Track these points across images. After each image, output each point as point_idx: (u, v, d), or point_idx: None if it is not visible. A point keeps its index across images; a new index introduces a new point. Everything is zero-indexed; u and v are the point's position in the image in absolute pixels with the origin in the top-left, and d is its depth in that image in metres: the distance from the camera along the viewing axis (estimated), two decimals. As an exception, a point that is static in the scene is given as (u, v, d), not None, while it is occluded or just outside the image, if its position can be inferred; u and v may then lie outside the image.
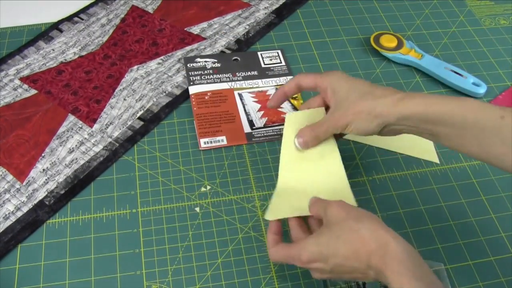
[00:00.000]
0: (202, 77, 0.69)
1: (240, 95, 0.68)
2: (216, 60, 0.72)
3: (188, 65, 0.71)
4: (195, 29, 0.77)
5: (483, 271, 0.53)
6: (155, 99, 0.67)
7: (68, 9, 0.79)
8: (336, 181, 0.55)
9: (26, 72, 0.70)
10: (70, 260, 0.53)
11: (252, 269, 0.53)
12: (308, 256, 0.45)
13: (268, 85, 0.69)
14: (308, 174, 0.55)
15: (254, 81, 0.70)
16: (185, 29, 0.77)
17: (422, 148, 0.64)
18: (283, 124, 0.62)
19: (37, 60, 0.72)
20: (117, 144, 0.62)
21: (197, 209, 0.57)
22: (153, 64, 0.72)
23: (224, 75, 0.70)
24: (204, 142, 0.62)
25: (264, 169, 0.61)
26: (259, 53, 0.74)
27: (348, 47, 0.76)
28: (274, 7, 0.81)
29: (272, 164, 0.61)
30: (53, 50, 0.73)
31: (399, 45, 0.74)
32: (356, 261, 0.43)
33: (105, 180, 0.59)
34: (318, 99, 0.55)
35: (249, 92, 0.68)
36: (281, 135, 0.60)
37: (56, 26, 0.77)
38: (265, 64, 0.72)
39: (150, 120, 0.65)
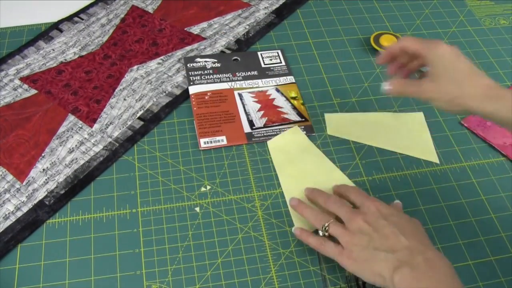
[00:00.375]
0: (202, 77, 0.69)
1: (240, 95, 0.68)
2: (216, 60, 0.72)
3: (188, 65, 0.71)
4: (195, 29, 0.77)
5: (483, 271, 0.53)
6: (155, 99, 0.67)
7: (68, 9, 0.79)
8: (336, 178, 0.60)
9: (26, 72, 0.70)
10: (70, 260, 0.53)
11: (252, 269, 0.53)
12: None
13: (268, 85, 0.69)
14: (310, 185, 0.58)
15: (254, 81, 0.70)
16: (185, 29, 0.77)
17: (422, 148, 0.64)
18: (283, 124, 0.64)
19: (37, 60, 0.72)
20: (117, 144, 0.62)
21: (197, 209, 0.57)
22: (153, 64, 0.72)
23: (224, 75, 0.70)
24: (204, 142, 0.62)
25: (264, 169, 0.61)
26: (259, 53, 0.74)
27: (348, 47, 0.76)
28: (274, 7, 0.81)
29: (272, 164, 0.61)
30: (53, 50, 0.73)
31: None
32: None
33: (105, 180, 0.59)
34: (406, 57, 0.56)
35: (249, 92, 0.68)
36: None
37: (56, 26, 0.77)
38: (265, 64, 0.72)
39: (150, 120, 0.65)
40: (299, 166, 0.61)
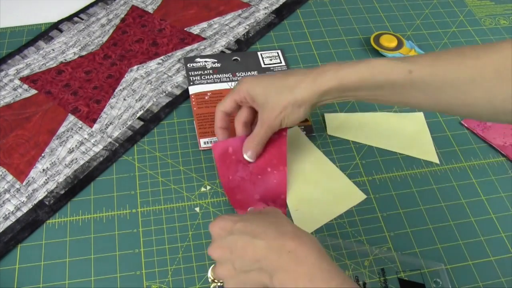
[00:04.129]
0: (202, 77, 0.69)
1: None
2: (216, 60, 0.72)
3: (188, 65, 0.71)
4: (195, 29, 0.77)
5: (483, 271, 0.53)
6: (155, 99, 0.67)
7: (68, 9, 0.79)
8: (336, 178, 0.60)
9: (26, 72, 0.70)
10: (70, 260, 0.53)
11: (252, 269, 0.53)
12: None
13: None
14: (310, 186, 0.59)
15: None
16: (185, 29, 0.77)
17: (422, 148, 0.64)
18: None
19: (37, 60, 0.72)
20: (117, 144, 0.62)
21: (197, 209, 0.57)
22: (153, 64, 0.72)
23: (224, 75, 0.70)
24: (204, 142, 0.62)
25: (264, 169, 0.61)
26: (259, 53, 0.74)
27: (348, 47, 0.76)
28: (274, 7, 0.81)
29: (272, 164, 0.61)
30: (53, 50, 0.73)
31: (399, 45, 0.74)
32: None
33: (105, 180, 0.59)
34: (244, 110, 0.57)
35: None
36: None
37: (56, 26, 0.77)
38: (265, 64, 0.72)
39: (150, 120, 0.65)
40: (299, 166, 0.61)
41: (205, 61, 0.71)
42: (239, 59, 0.72)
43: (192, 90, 0.68)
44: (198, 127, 0.64)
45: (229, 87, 0.69)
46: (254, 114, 0.57)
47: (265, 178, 0.57)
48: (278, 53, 0.74)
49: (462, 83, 0.46)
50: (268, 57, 0.73)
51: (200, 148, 0.62)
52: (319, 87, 0.51)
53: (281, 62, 0.72)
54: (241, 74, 0.70)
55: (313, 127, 0.65)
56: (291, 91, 0.51)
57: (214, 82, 0.69)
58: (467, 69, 0.46)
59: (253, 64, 0.72)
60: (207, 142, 0.62)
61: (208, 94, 0.67)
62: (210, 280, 0.47)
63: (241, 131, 0.57)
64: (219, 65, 0.71)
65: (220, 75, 0.70)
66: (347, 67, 0.50)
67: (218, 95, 0.67)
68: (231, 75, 0.70)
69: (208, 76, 0.70)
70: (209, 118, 0.65)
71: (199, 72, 0.70)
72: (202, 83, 0.69)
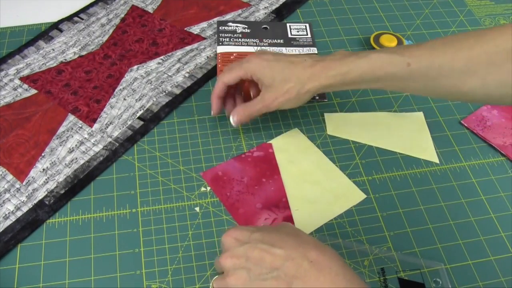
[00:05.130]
0: (231, 40, 0.75)
1: None
2: (246, 26, 0.77)
3: (220, 27, 0.76)
4: (195, 29, 0.77)
5: (483, 271, 0.53)
6: (155, 99, 0.67)
7: (68, 9, 0.79)
8: (336, 178, 0.60)
9: (26, 72, 0.70)
10: (70, 260, 0.53)
11: (252, 269, 0.53)
12: None
13: (292, 54, 0.72)
14: (310, 186, 0.59)
15: (279, 48, 0.74)
16: (185, 29, 0.77)
17: (422, 148, 0.64)
18: None
19: (37, 60, 0.72)
20: (117, 144, 0.62)
21: (197, 208, 0.57)
22: (153, 64, 0.72)
23: (252, 40, 0.75)
24: None
25: (264, 169, 0.61)
26: (287, 24, 0.78)
27: (348, 47, 0.76)
28: (274, 7, 0.81)
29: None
30: (53, 50, 0.73)
31: (399, 45, 0.73)
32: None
33: (105, 180, 0.59)
34: (234, 75, 0.58)
35: None
36: None
37: (56, 26, 0.77)
38: (291, 35, 0.76)
39: (150, 120, 0.65)
40: (299, 166, 0.61)
41: (236, 26, 0.76)
42: (268, 27, 0.77)
43: (220, 49, 0.73)
44: None
45: (254, 51, 0.73)
46: (229, 88, 0.60)
47: (262, 187, 0.58)
48: (306, 26, 0.77)
49: (458, 73, 0.49)
50: (296, 29, 0.77)
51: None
52: (325, 80, 0.54)
53: (307, 35, 0.76)
54: (268, 41, 0.75)
55: (326, 95, 0.69)
56: (298, 79, 0.54)
57: (242, 45, 0.74)
58: (461, 60, 0.49)
59: (280, 33, 0.76)
60: None
61: (234, 54, 0.73)
62: None
63: (219, 88, 0.59)
64: (248, 30, 0.76)
65: (248, 39, 0.75)
66: (349, 62, 0.53)
67: (243, 57, 0.70)
68: (258, 41, 0.75)
69: (237, 39, 0.75)
70: None
71: (229, 35, 0.75)
72: (230, 45, 0.74)
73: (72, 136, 0.63)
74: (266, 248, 0.41)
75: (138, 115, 0.65)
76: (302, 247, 0.41)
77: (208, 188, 0.59)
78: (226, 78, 0.58)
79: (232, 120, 0.59)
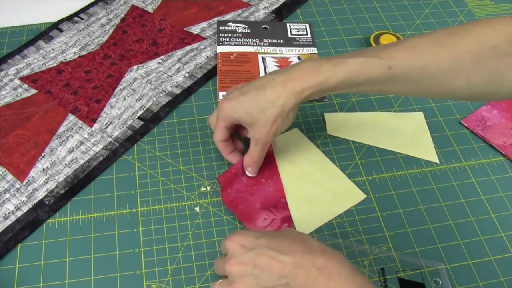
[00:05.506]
0: (231, 39, 0.75)
1: (263, 58, 0.73)
2: (246, 26, 0.77)
3: (220, 27, 0.77)
4: (195, 29, 0.77)
5: (483, 271, 0.53)
6: (155, 99, 0.67)
7: (68, 9, 0.79)
8: (336, 178, 0.60)
9: (26, 72, 0.70)
10: (70, 260, 0.53)
11: (252, 269, 0.53)
12: None
13: (291, 53, 0.74)
14: (310, 186, 0.59)
15: (279, 48, 0.74)
16: (185, 29, 0.77)
17: (422, 148, 0.64)
18: None
19: (37, 59, 0.72)
20: (117, 144, 0.62)
21: (197, 208, 0.57)
22: (153, 64, 0.72)
23: (252, 39, 0.75)
24: (222, 95, 0.66)
25: (264, 169, 0.61)
26: (287, 24, 0.78)
27: (348, 47, 0.76)
28: (274, 7, 0.81)
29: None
30: (53, 49, 0.73)
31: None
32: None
33: (105, 180, 0.59)
34: (220, 129, 0.56)
35: (272, 57, 0.73)
36: None
37: (56, 26, 0.77)
38: (291, 34, 0.76)
39: (150, 120, 0.65)
40: (299, 166, 0.61)
41: (236, 26, 0.76)
42: (268, 27, 0.77)
43: (220, 49, 0.73)
44: (220, 82, 0.69)
45: (254, 51, 0.74)
46: (229, 130, 0.57)
47: (261, 187, 0.58)
48: (306, 26, 0.78)
49: (442, 73, 0.47)
50: (296, 29, 0.77)
51: (218, 100, 0.67)
52: (300, 94, 0.50)
53: (307, 34, 0.76)
54: (268, 40, 0.75)
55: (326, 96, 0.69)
56: (275, 104, 0.51)
57: (242, 45, 0.74)
58: (446, 59, 0.47)
59: (280, 33, 0.77)
60: None
61: (234, 54, 0.73)
62: None
63: (222, 146, 0.57)
64: (248, 30, 0.76)
65: (248, 39, 0.75)
66: (325, 71, 0.49)
67: (243, 56, 0.73)
68: (258, 41, 0.75)
69: (237, 39, 0.75)
70: (231, 75, 0.70)
71: (229, 35, 0.75)
72: (230, 45, 0.74)
73: (72, 136, 0.63)
74: (274, 255, 0.41)
75: (138, 115, 0.65)
76: (310, 253, 0.41)
77: (208, 188, 0.59)
78: (218, 137, 0.56)
79: (248, 172, 0.58)
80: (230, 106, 0.53)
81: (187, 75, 0.70)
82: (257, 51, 0.74)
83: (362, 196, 0.58)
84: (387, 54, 0.48)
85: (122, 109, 0.66)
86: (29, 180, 0.59)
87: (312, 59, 0.51)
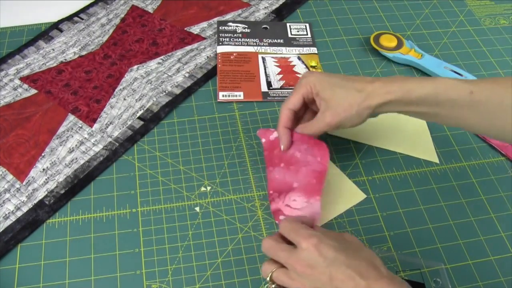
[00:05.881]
0: (231, 39, 0.75)
1: (263, 58, 0.73)
2: (246, 26, 0.77)
3: (220, 27, 0.77)
4: (195, 29, 0.77)
5: (483, 271, 0.53)
6: (155, 99, 0.67)
7: (68, 9, 0.80)
8: (336, 178, 0.60)
9: (26, 72, 0.70)
10: (70, 260, 0.53)
11: (251, 269, 0.53)
12: None
13: (291, 53, 0.74)
14: None
15: (279, 48, 0.75)
16: (185, 29, 0.77)
17: (422, 148, 0.64)
18: None
19: (37, 59, 0.72)
20: (117, 144, 0.62)
21: (197, 208, 0.57)
22: (153, 64, 0.72)
23: (252, 39, 0.75)
24: (222, 95, 0.68)
25: (264, 169, 0.61)
26: (287, 24, 0.78)
27: (348, 47, 0.76)
28: (274, 7, 0.81)
29: (272, 163, 0.61)
30: (53, 49, 0.73)
31: (399, 45, 0.74)
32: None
33: (105, 180, 0.59)
34: (296, 97, 0.55)
35: (272, 57, 0.73)
36: None
37: (56, 26, 0.77)
38: (291, 34, 0.76)
39: (150, 120, 0.65)
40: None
41: (236, 26, 0.76)
42: (268, 27, 0.77)
43: (220, 49, 0.73)
44: (220, 82, 0.69)
45: (254, 51, 0.74)
46: (303, 104, 0.55)
47: (303, 172, 0.55)
48: (306, 26, 0.78)
49: None
50: (296, 29, 0.77)
51: (218, 100, 0.67)
52: (386, 94, 0.51)
53: (307, 34, 0.76)
54: (268, 40, 0.75)
55: None
56: (360, 92, 0.51)
57: (242, 45, 0.74)
58: None
59: (280, 33, 0.77)
60: (225, 95, 0.68)
61: (234, 54, 0.73)
62: (268, 282, 0.46)
63: (286, 116, 0.55)
64: (248, 30, 0.77)
65: (248, 39, 0.75)
66: (414, 81, 0.51)
67: (243, 56, 0.73)
68: (258, 41, 0.75)
69: (237, 39, 0.75)
70: (231, 75, 0.70)
71: (229, 35, 0.76)
72: (230, 45, 0.74)
73: (72, 136, 0.63)
74: (352, 276, 0.42)
75: (138, 115, 0.65)
76: (381, 280, 0.42)
77: (208, 188, 0.59)
78: (290, 103, 0.54)
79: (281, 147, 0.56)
80: (318, 75, 0.53)
81: (187, 75, 0.70)
82: (257, 51, 0.74)
83: (362, 196, 0.58)
84: (472, 81, 0.49)
85: (122, 109, 0.66)
86: (29, 180, 0.59)
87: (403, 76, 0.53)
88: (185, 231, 0.55)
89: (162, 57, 0.73)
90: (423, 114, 0.52)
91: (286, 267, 0.45)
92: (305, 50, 0.74)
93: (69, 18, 0.78)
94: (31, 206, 0.56)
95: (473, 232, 0.56)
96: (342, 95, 0.52)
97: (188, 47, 0.74)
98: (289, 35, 0.76)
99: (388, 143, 0.64)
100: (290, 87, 0.69)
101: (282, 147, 0.56)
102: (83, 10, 0.79)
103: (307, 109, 0.57)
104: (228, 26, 0.77)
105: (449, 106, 0.50)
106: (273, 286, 0.46)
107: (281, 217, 0.54)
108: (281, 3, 0.82)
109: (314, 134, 0.55)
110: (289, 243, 0.47)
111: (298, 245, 0.45)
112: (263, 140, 0.58)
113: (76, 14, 0.79)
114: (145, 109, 0.66)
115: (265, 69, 0.71)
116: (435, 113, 0.51)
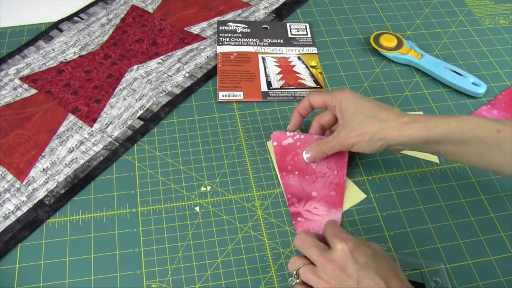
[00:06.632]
0: (231, 39, 0.75)
1: (263, 58, 0.73)
2: (246, 26, 0.77)
3: (220, 27, 0.77)
4: (195, 29, 0.77)
5: (483, 271, 0.53)
6: (155, 99, 0.67)
7: (68, 9, 0.80)
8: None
9: (26, 72, 0.70)
10: (70, 260, 0.53)
11: (251, 269, 0.53)
12: None
13: (291, 53, 0.74)
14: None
15: (279, 48, 0.75)
16: (185, 29, 0.77)
17: (422, 148, 0.64)
18: (299, 88, 0.69)
19: (37, 59, 0.72)
20: (117, 144, 0.62)
21: (197, 208, 0.57)
22: (153, 63, 0.72)
23: (252, 39, 0.75)
24: (222, 95, 0.68)
25: (264, 169, 0.61)
26: (287, 24, 0.78)
27: (348, 47, 0.76)
28: (274, 7, 0.81)
29: (272, 163, 0.61)
30: (53, 49, 0.73)
31: (399, 45, 0.74)
32: None
33: (105, 180, 0.59)
34: (328, 114, 0.59)
35: (272, 57, 0.73)
36: (295, 97, 0.68)
37: (56, 26, 0.77)
38: (291, 34, 0.76)
39: (150, 120, 0.65)
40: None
41: (236, 26, 0.76)
42: (268, 27, 0.77)
43: (220, 49, 0.73)
44: (220, 81, 0.69)
45: (254, 51, 0.74)
46: (334, 122, 0.59)
47: (320, 183, 0.58)
48: (306, 26, 0.78)
49: None
50: (296, 28, 0.77)
51: (218, 100, 0.67)
52: (406, 133, 0.51)
53: (307, 34, 0.76)
54: (268, 40, 0.75)
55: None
56: (379, 123, 0.52)
57: (242, 45, 0.74)
58: None
59: (280, 33, 0.77)
60: (225, 95, 0.68)
61: (234, 54, 0.73)
62: (294, 275, 0.47)
63: (314, 129, 0.60)
64: (248, 30, 0.77)
65: (248, 39, 0.75)
66: (437, 119, 0.50)
67: (243, 56, 0.73)
68: (258, 41, 0.75)
69: (237, 39, 0.75)
70: (231, 75, 0.70)
71: (229, 35, 0.76)
72: (230, 45, 0.74)
73: (72, 136, 0.63)
74: (379, 283, 0.43)
75: (138, 115, 0.65)
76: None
77: (208, 188, 0.59)
78: (312, 97, 0.58)
79: (305, 156, 0.59)
80: (349, 95, 0.54)
81: (187, 75, 0.70)
82: (257, 51, 0.74)
83: (362, 196, 0.59)
84: (499, 119, 0.49)
85: (122, 109, 0.66)
86: (29, 180, 0.59)
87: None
88: (185, 231, 0.55)
89: (162, 57, 0.73)
90: (445, 153, 0.51)
91: (315, 264, 0.46)
92: (305, 50, 0.74)
93: (69, 18, 0.78)
94: (31, 206, 0.56)
95: (473, 232, 0.56)
96: (361, 120, 0.53)
97: (188, 47, 0.74)
98: (289, 35, 0.76)
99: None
100: (290, 87, 0.69)
101: (288, 127, 0.61)
102: (83, 10, 0.79)
103: (335, 124, 0.60)
104: (228, 26, 0.77)
105: (475, 144, 0.49)
106: (297, 280, 0.47)
107: (299, 219, 0.56)
108: (281, 3, 0.82)
109: (326, 151, 0.57)
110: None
111: (332, 246, 0.46)
112: (275, 143, 0.60)
113: (76, 14, 0.79)
114: (145, 109, 0.66)
115: (265, 69, 0.71)
116: (459, 151, 0.50)
